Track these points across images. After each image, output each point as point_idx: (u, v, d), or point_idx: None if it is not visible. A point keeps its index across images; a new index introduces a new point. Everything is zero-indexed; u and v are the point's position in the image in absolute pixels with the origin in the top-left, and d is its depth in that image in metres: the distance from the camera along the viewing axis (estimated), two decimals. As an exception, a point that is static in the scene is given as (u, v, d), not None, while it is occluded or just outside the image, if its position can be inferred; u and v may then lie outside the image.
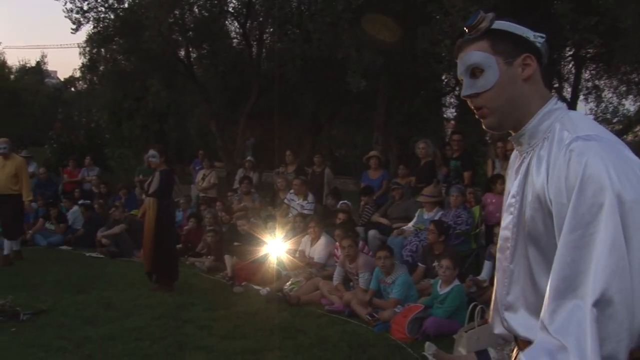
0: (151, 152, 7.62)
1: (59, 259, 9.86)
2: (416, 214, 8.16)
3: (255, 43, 17.16)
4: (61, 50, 69.51)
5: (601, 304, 1.30)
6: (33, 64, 48.57)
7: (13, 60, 73.13)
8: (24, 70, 46.28)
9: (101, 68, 19.03)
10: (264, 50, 17.61)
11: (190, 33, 16.45)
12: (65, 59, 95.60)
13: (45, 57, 66.09)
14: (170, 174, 7.72)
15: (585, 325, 1.30)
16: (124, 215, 10.66)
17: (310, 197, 9.33)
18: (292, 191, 9.52)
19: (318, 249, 7.88)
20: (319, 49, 13.16)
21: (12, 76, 42.81)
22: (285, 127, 19.22)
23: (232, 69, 17.14)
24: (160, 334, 5.80)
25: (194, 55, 18.27)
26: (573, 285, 1.34)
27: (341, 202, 9.24)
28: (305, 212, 9.04)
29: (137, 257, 9.48)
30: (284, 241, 8.28)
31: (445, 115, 20.94)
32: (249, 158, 12.56)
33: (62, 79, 50.47)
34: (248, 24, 17.01)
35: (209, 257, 9.00)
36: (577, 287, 1.33)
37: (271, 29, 16.08)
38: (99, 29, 16.88)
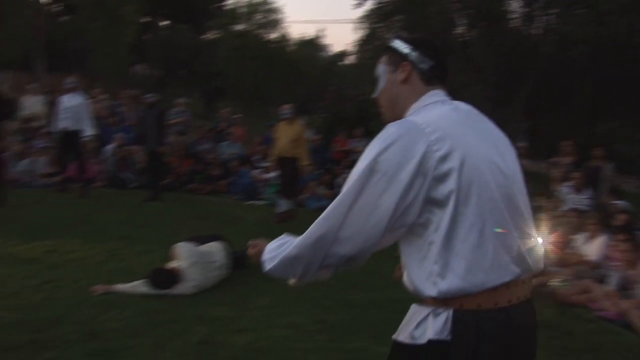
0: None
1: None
2: None
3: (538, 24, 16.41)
4: (336, 25, 72.74)
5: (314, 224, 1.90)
6: (310, 37, 51.47)
7: (293, 34, 78.22)
8: (302, 42, 49.18)
9: (376, 43, 19.49)
10: (546, 32, 16.75)
11: (471, 11, 16.19)
12: (339, 34, 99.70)
13: (322, 31, 69.68)
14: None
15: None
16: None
17: (587, 192, 8.71)
18: (568, 183, 8.96)
19: (594, 247, 7.30)
20: (612, 32, 12.10)
21: (291, 48, 45.80)
22: (561, 114, 18.15)
23: (511, 51, 16.55)
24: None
25: (471, 34, 17.97)
26: None
27: (619, 202, 8.50)
28: (581, 207, 8.46)
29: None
30: (554, 235, 7.82)
31: None
32: (522, 144, 12.05)
33: (335, 53, 52.89)
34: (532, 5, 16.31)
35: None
36: None
37: (557, 10, 15.20)
38: (380, 4, 17.30)
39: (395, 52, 2.09)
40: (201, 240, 6.10)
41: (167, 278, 5.43)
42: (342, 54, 49.03)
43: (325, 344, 4.65)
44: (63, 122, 10.60)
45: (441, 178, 1.78)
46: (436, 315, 1.84)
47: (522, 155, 11.29)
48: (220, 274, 5.86)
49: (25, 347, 4.12)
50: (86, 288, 5.45)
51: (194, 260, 5.60)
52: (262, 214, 10.32)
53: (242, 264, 6.42)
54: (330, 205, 1.86)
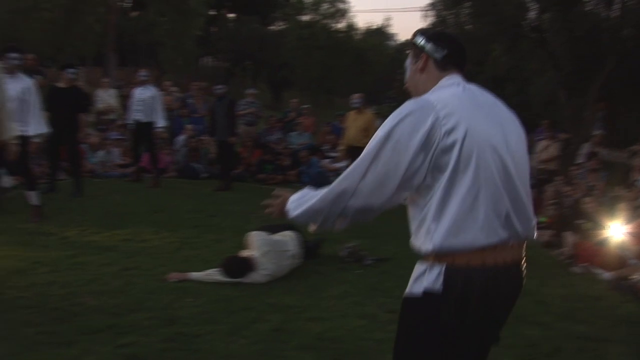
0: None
1: (396, 212, 10.23)
2: None
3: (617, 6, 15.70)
4: (403, 13, 72.07)
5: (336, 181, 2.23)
6: (377, 26, 51.15)
7: (360, 23, 77.95)
8: (368, 32, 48.95)
9: (440, 29, 19.18)
10: (624, 13, 16.00)
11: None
12: (407, 23, 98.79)
13: (389, 20, 69.12)
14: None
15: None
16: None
17: (670, 182, 8.36)
18: (649, 172, 8.63)
19: (678, 240, 7.01)
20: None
21: (358, 37, 45.62)
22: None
23: (587, 35, 15.91)
24: (494, 302, 5.66)
25: (544, 19, 17.40)
26: None
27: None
28: (663, 197, 8.12)
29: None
30: (634, 226, 7.53)
31: None
32: (598, 132, 11.65)
33: (401, 41, 52.41)
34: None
35: (547, 231, 8.58)
36: None
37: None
38: (449, -8, 17.00)
39: (415, 45, 2.41)
40: (274, 229, 6.13)
41: (240, 266, 5.48)
42: (409, 43, 48.56)
43: (398, 334, 4.59)
44: (136, 114, 10.83)
45: (446, 148, 2.07)
46: (431, 269, 2.15)
47: (598, 143, 10.96)
48: (293, 263, 5.87)
49: (105, 331, 4.22)
50: (161, 275, 5.55)
51: (267, 249, 5.63)
52: (331, 204, 10.30)
53: (315, 253, 6.43)
54: (351, 166, 2.20)
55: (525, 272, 2.34)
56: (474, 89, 2.31)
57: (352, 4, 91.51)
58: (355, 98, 9.65)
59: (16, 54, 7.32)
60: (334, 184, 2.23)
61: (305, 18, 41.53)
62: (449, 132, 2.07)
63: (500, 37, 17.54)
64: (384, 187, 2.15)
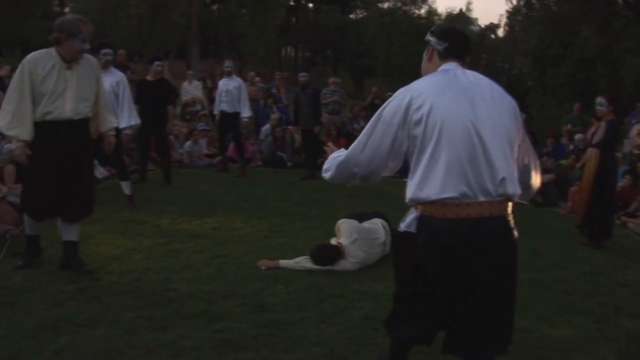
0: (599, 99, 7.15)
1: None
2: None
3: None
4: (485, -3, 70.47)
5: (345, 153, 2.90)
6: (458, 11, 50.19)
7: (441, 8, 76.89)
8: (450, 17, 48.14)
9: (525, 12, 18.60)
10: None
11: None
12: (488, 7, 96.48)
13: (471, 4, 67.89)
14: (617, 125, 7.13)
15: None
16: (554, 165, 10.31)
17: None
18: None
19: None
20: None
21: (439, 23, 44.92)
22: None
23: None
24: (590, 290, 5.47)
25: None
26: None
27: None
28: None
29: (562, 209, 9.16)
30: None
31: None
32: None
33: (482, 26, 51.34)
34: None
35: (644, 219, 8.23)
36: None
37: None
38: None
39: (427, 40, 2.93)
40: (363, 216, 6.10)
41: (329, 254, 5.47)
42: (491, 27, 47.52)
43: (492, 323, 4.48)
44: (221, 105, 10.97)
45: (417, 121, 2.60)
46: (411, 214, 2.85)
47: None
48: (382, 251, 5.82)
49: (198, 317, 4.30)
50: (251, 263, 5.61)
51: (356, 236, 5.60)
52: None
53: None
54: (355, 141, 2.82)
55: (508, 231, 2.65)
56: (459, 73, 2.73)
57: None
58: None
59: (108, 50, 7.55)
60: (344, 156, 2.88)
61: (386, 5, 41.21)
62: (419, 108, 2.60)
63: (590, 17, 16.78)
64: (379, 158, 2.74)
